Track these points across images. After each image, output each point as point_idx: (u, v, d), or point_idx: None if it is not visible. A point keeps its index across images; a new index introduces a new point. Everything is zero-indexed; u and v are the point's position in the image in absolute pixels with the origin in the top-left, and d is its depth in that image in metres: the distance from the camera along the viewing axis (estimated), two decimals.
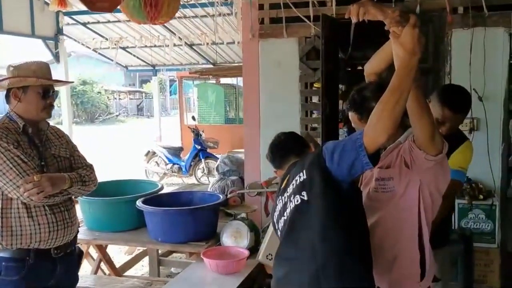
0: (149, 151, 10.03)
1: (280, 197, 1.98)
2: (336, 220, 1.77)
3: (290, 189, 1.91)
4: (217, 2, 6.09)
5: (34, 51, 10.73)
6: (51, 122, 2.57)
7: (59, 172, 2.35)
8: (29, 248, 2.27)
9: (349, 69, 8.11)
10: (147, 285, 3.44)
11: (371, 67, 2.21)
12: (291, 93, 4.44)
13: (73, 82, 2.88)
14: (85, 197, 3.46)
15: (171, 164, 9.68)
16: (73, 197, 2.50)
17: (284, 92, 4.47)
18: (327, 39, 3.79)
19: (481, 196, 3.83)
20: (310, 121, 4.45)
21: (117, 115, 28.93)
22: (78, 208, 3.76)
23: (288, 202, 1.90)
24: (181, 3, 7.03)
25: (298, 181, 1.87)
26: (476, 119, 3.98)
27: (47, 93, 2.34)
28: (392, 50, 1.72)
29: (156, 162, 9.90)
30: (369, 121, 1.66)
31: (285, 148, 2.14)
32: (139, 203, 3.42)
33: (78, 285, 3.23)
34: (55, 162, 2.38)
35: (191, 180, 9.60)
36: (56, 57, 9.27)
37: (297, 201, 1.84)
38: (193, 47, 11.07)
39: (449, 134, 2.38)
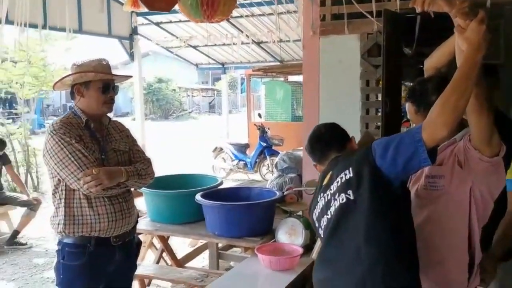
0: (216, 147, 10.25)
1: (322, 194, 1.92)
2: (383, 221, 1.72)
3: (334, 187, 1.85)
4: None
5: (111, 50, 11.32)
6: (129, 118, 2.71)
7: (118, 165, 2.47)
8: (90, 236, 2.40)
9: (421, 66, 7.80)
10: (203, 277, 3.54)
11: (432, 61, 2.16)
12: (352, 90, 4.34)
13: (131, 76, 2.99)
14: (148, 189, 3.63)
15: (237, 161, 9.82)
16: (132, 189, 2.63)
17: (345, 89, 4.39)
18: (389, 34, 3.68)
19: None
20: (371, 119, 4.35)
21: (190, 112, 29.85)
22: (142, 200, 3.96)
23: (332, 200, 1.84)
24: (247, 1, 7.15)
25: (344, 178, 1.81)
26: None
27: (107, 88, 2.47)
28: (455, 44, 1.66)
29: (223, 158, 10.10)
30: (429, 115, 1.61)
31: (326, 142, 2.05)
32: (198, 197, 3.51)
33: (139, 272, 3.41)
34: (115, 155, 2.51)
35: (256, 176, 9.69)
36: (131, 55, 9.76)
37: (342, 199, 1.79)
38: (261, 45, 11.19)
39: None
